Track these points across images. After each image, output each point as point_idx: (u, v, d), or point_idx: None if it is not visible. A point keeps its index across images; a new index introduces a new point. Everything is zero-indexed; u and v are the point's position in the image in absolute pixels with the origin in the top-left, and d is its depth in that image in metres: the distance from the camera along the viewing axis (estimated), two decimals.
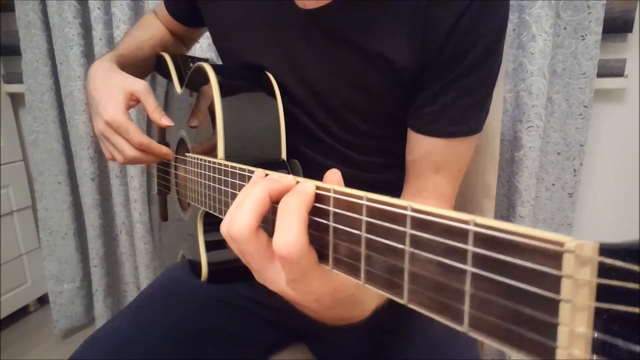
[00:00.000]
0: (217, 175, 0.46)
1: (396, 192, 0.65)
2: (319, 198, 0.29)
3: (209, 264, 0.57)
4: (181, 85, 0.69)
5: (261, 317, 0.62)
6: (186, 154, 0.61)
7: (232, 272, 0.60)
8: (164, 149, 0.58)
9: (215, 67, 0.56)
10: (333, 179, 0.32)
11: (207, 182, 0.49)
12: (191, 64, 0.75)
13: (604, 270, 0.15)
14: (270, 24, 0.57)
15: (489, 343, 0.19)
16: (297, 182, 0.31)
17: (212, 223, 0.58)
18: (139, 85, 0.57)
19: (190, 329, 0.58)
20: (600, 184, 1.21)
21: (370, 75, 0.53)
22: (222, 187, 0.44)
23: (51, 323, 1.51)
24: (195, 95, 0.60)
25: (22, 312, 1.58)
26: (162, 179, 0.77)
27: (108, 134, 0.56)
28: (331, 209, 0.27)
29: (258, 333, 0.62)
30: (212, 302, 0.61)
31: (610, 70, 1.11)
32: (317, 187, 0.29)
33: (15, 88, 1.49)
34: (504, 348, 0.18)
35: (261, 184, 0.31)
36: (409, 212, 0.22)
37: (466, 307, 0.19)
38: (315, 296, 0.31)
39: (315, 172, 0.47)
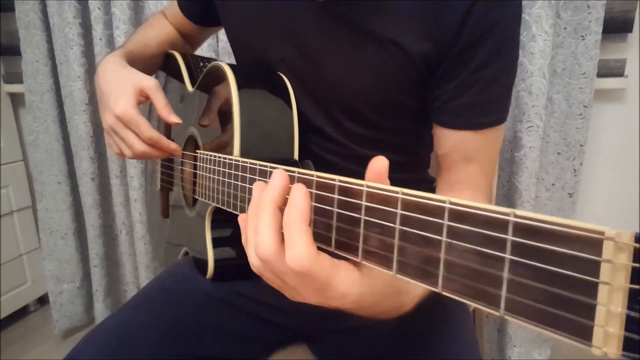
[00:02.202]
0: (233, 172, 0.46)
1: None
2: (351, 192, 0.30)
3: (216, 261, 0.58)
4: (192, 83, 0.70)
5: (262, 316, 0.62)
6: (197, 150, 0.61)
7: (237, 269, 0.60)
8: (172, 145, 0.59)
9: (232, 66, 0.56)
10: (378, 167, 0.31)
11: (221, 178, 0.50)
12: (201, 63, 0.75)
13: (638, 256, 0.17)
14: (285, 17, 0.57)
15: (525, 326, 0.20)
16: (296, 178, 0.32)
17: (220, 220, 0.58)
18: (149, 82, 0.58)
19: (190, 327, 0.58)
20: (600, 184, 1.21)
21: (383, 63, 0.54)
22: (239, 183, 0.45)
23: (51, 323, 1.51)
24: (210, 94, 0.61)
25: (22, 312, 1.58)
26: (166, 175, 0.77)
27: (117, 128, 0.57)
28: (363, 203, 0.29)
29: (258, 333, 0.62)
30: (213, 300, 0.61)
31: (610, 70, 1.11)
32: (348, 182, 0.30)
33: (15, 88, 1.49)
34: (540, 329, 0.20)
35: (265, 200, 0.32)
36: (447, 205, 0.23)
37: (503, 293, 0.21)
38: (352, 298, 0.32)
39: (325, 171, 0.47)
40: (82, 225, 1.48)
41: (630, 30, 1.08)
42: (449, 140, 0.56)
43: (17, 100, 1.55)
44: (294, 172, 0.35)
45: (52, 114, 1.39)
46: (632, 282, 0.17)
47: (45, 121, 1.40)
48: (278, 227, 0.31)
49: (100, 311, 1.48)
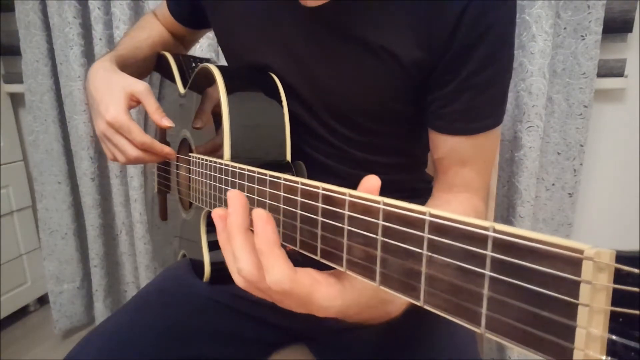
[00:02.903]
0: (223, 176, 0.46)
1: (405, 193, 0.65)
2: (333, 200, 0.29)
3: (212, 264, 0.57)
4: (184, 85, 0.69)
5: (260, 317, 0.62)
6: (190, 154, 0.61)
7: None
8: (166, 149, 0.58)
9: (221, 68, 0.56)
10: (369, 186, 0.32)
11: (212, 183, 0.49)
12: (194, 64, 0.75)
13: (619, 277, 0.16)
14: (274, 23, 0.56)
15: (505, 344, 0.20)
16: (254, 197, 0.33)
17: None
18: (140, 86, 0.57)
19: (188, 329, 0.58)
20: (600, 184, 1.21)
21: (375, 71, 0.53)
22: (229, 188, 0.44)
23: (51, 323, 1.51)
24: (200, 96, 0.60)
25: (22, 312, 1.58)
26: (163, 178, 0.77)
27: (110, 135, 0.56)
28: (346, 212, 0.28)
29: (257, 333, 0.62)
30: (211, 302, 0.61)
31: (610, 70, 1.11)
32: (331, 191, 0.30)
33: (15, 88, 1.49)
34: (520, 348, 0.19)
35: (231, 229, 0.33)
36: (427, 217, 0.23)
37: (484, 310, 0.20)
38: (334, 309, 0.33)
39: (320, 173, 0.47)
40: (82, 225, 1.48)
41: (630, 30, 1.08)
42: (445, 145, 0.55)
43: (17, 100, 1.55)
44: (279, 178, 0.34)
45: (52, 114, 1.39)
46: (613, 304, 0.16)
47: (45, 121, 1.40)
48: (252, 249, 0.32)
49: (100, 311, 1.48)
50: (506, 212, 1.18)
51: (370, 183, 0.31)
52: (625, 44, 1.11)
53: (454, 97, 0.52)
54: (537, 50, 1.01)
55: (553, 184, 1.15)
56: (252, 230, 0.32)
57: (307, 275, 0.31)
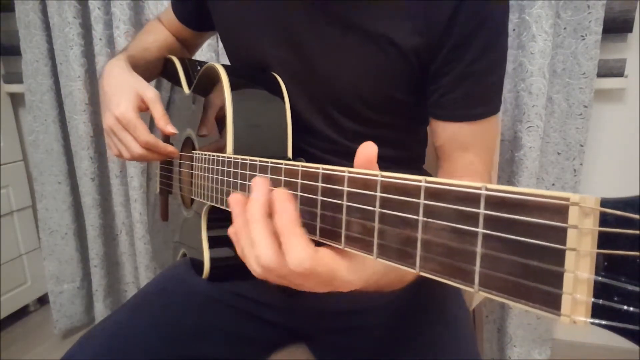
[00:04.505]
0: (225, 169, 0.47)
1: None
2: (333, 179, 0.30)
3: (212, 260, 0.58)
4: (189, 86, 0.70)
5: (261, 316, 0.62)
6: (193, 151, 0.61)
7: (233, 269, 0.61)
8: (169, 148, 0.60)
9: (225, 66, 0.57)
10: (365, 153, 0.31)
11: (214, 176, 0.51)
12: (198, 67, 0.76)
13: (604, 221, 0.17)
14: (276, 17, 0.57)
15: (498, 299, 0.20)
16: (272, 188, 0.33)
17: (216, 219, 0.59)
18: (150, 93, 0.60)
19: (188, 328, 0.58)
20: (600, 184, 1.21)
21: (375, 58, 0.54)
22: (231, 180, 0.45)
23: (51, 323, 1.51)
24: (205, 95, 0.61)
25: (22, 312, 1.58)
26: (165, 178, 0.78)
27: (116, 130, 0.58)
28: (345, 188, 0.29)
29: (257, 333, 0.62)
30: (211, 301, 0.61)
31: (610, 70, 1.11)
32: (330, 169, 0.30)
33: (15, 88, 1.49)
34: (511, 302, 0.19)
35: (253, 215, 0.32)
36: (423, 184, 0.23)
37: (477, 268, 0.21)
38: (358, 282, 0.33)
39: None
40: (82, 225, 1.48)
41: (630, 30, 1.08)
42: (445, 132, 0.57)
43: (17, 100, 1.55)
44: (280, 164, 0.36)
45: (52, 114, 1.39)
46: (598, 247, 0.17)
47: (45, 121, 1.40)
48: (272, 235, 0.32)
49: (100, 311, 1.48)
50: None
51: (369, 150, 0.31)
52: (625, 44, 1.11)
53: (456, 84, 0.53)
54: (537, 50, 1.01)
55: (553, 184, 1.15)
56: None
57: (329, 252, 0.31)
